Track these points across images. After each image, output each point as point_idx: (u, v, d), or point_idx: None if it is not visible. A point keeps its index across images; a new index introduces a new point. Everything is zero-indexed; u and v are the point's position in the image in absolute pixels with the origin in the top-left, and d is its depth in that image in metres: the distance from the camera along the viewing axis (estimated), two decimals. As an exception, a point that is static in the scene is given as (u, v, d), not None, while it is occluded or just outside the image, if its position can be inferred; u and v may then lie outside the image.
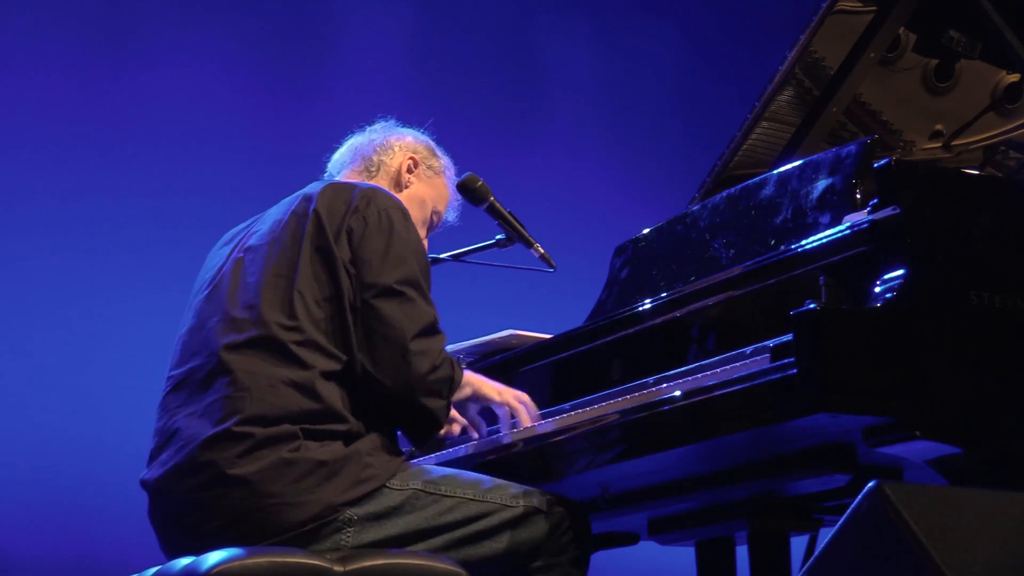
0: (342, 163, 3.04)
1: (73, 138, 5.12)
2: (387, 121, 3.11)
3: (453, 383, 2.68)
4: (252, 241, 2.72)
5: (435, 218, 3.06)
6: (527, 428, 2.88)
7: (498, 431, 2.98)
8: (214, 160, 5.32)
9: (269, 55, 5.58)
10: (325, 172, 3.08)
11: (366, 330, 2.58)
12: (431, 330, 2.64)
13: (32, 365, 4.90)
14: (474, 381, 2.84)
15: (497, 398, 2.89)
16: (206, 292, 2.71)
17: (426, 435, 2.72)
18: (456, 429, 3.00)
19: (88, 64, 5.20)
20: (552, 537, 2.63)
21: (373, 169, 2.98)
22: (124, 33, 5.30)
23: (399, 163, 3.00)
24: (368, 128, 3.09)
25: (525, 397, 2.92)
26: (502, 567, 2.62)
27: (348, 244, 2.60)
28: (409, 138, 3.07)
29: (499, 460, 2.90)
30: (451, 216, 3.12)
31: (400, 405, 2.62)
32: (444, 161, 3.09)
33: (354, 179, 2.96)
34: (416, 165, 3.02)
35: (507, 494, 2.62)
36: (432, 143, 3.10)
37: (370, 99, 5.48)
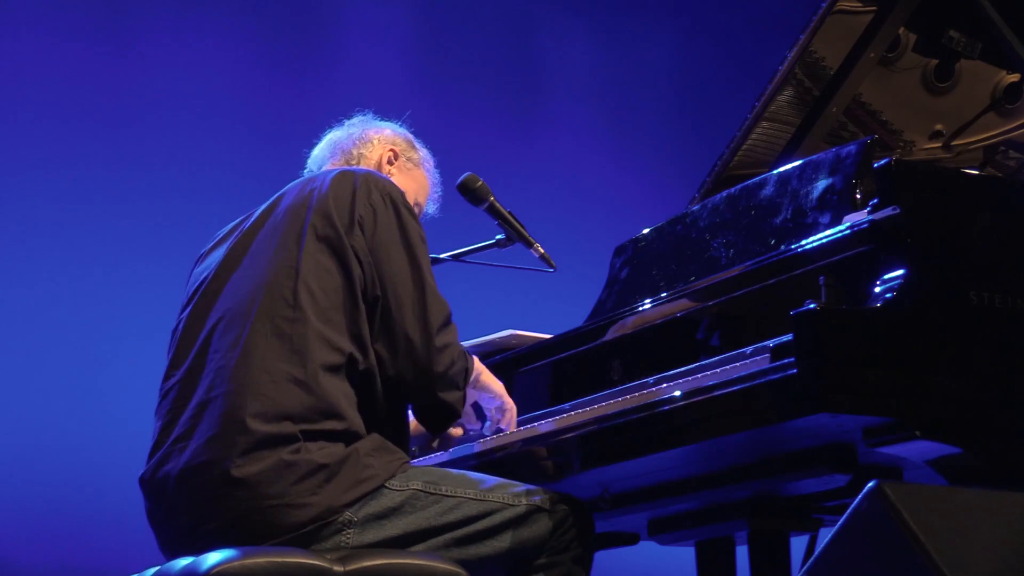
0: (322, 158, 3.04)
1: (71, 121, 5.12)
2: (364, 114, 3.11)
3: (468, 374, 2.70)
4: (249, 236, 2.70)
5: (417, 210, 3.06)
6: (528, 428, 2.88)
7: (498, 432, 2.98)
8: (213, 146, 5.32)
9: (271, 37, 5.60)
10: (305, 168, 3.08)
11: (386, 322, 2.58)
12: (449, 320, 2.65)
13: (29, 365, 4.90)
14: (479, 367, 2.84)
15: (497, 389, 2.91)
16: (203, 289, 2.69)
17: (443, 427, 2.74)
18: (457, 432, 3.01)
19: (88, 46, 5.21)
20: (555, 535, 2.62)
21: (353, 162, 2.99)
22: (124, 14, 5.30)
23: (379, 155, 3.01)
24: (346, 122, 3.09)
25: (513, 405, 2.96)
26: (505, 565, 2.61)
27: (361, 233, 2.60)
28: (387, 131, 3.07)
29: (499, 460, 2.90)
30: (431, 208, 3.12)
31: (417, 398, 2.64)
32: (423, 153, 3.09)
33: None
34: (396, 157, 3.03)
35: (509, 493, 2.62)
36: (410, 135, 3.10)
37: (370, 90, 5.51)
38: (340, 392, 2.51)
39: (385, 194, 2.66)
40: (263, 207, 2.76)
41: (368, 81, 5.67)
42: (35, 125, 5.07)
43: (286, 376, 2.48)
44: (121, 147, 5.19)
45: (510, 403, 2.94)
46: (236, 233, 2.76)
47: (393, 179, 2.97)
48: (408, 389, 2.62)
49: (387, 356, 2.58)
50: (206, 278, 2.72)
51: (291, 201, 2.68)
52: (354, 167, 2.86)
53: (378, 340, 2.58)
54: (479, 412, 3.01)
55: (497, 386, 2.92)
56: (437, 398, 2.64)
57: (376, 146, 3.02)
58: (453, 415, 2.70)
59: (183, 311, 2.73)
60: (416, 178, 3.05)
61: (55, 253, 5.00)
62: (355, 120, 3.09)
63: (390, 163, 3.01)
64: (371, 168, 2.96)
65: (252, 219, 2.75)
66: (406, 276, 2.61)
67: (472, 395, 2.88)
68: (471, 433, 3.03)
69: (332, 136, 3.07)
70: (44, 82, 5.12)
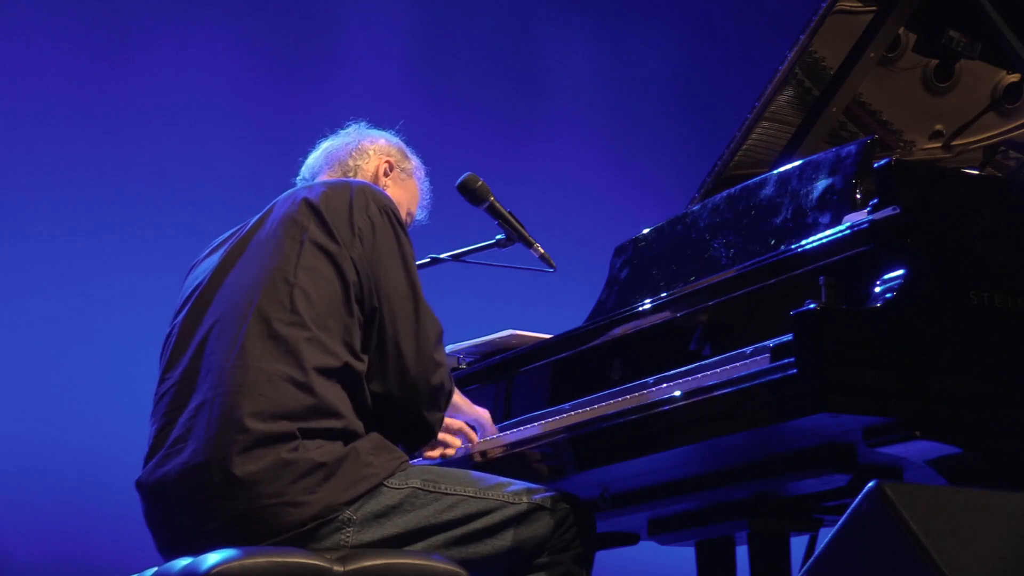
0: (317, 167, 3.05)
1: (68, 127, 5.12)
2: (358, 123, 3.12)
3: (450, 397, 2.74)
4: (243, 243, 2.70)
5: (408, 219, 3.08)
6: (528, 428, 2.88)
7: (497, 432, 2.98)
8: (212, 152, 5.32)
9: (271, 43, 5.59)
10: (299, 176, 3.08)
11: (381, 335, 2.59)
12: (441, 339, 2.68)
13: (28, 365, 4.89)
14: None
15: (464, 405, 2.98)
16: (197, 294, 2.70)
17: (420, 445, 2.77)
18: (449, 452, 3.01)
19: (84, 51, 5.20)
20: (556, 534, 2.62)
21: (350, 174, 3.01)
22: (121, 19, 5.30)
23: (375, 167, 3.03)
24: (341, 132, 3.11)
25: (487, 414, 3.02)
26: (505, 564, 2.61)
27: (361, 244, 2.61)
28: (382, 141, 3.08)
29: (499, 461, 2.90)
30: (421, 215, 3.14)
31: (401, 415, 2.64)
32: (415, 162, 3.12)
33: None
34: (391, 168, 3.05)
35: (509, 491, 2.62)
36: (403, 144, 3.12)
37: (370, 93, 5.51)
38: (336, 394, 2.52)
39: (383, 208, 2.67)
40: (257, 216, 2.77)
41: (368, 83, 5.66)
42: (32, 131, 5.07)
43: (283, 376, 2.48)
44: (119, 152, 5.18)
45: (481, 417, 2.99)
46: (230, 241, 2.77)
47: (388, 190, 2.99)
48: (394, 404, 2.62)
49: (377, 369, 2.60)
50: (200, 283, 2.72)
51: (287, 209, 2.68)
52: (349, 179, 2.88)
53: (371, 352, 2.60)
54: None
55: (464, 401, 2.97)
56: (421, 416, 2.66)
57: (372, 157, 3.04)
58: (431, 435, 2.73)
59: (176, 316, 2.73)
60: (409, 188, 3.08)
61: (56, 255, 5.00)
62: (349, 129, 3.11)
63: (386, 175, 3.03)
64: (367, 180, 2.97)
65: (247, 228, 2.76)
66: (403, 292, 2.63)
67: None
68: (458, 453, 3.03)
69: (327, 146, 3.09)
70: (41, 87, 5.11)
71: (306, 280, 2.56)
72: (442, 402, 2.70)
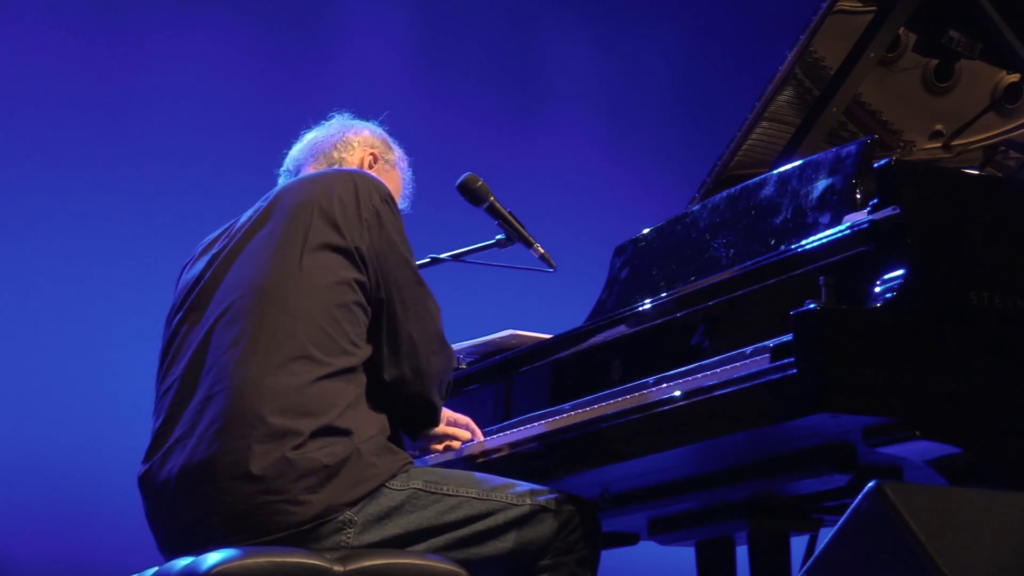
0: (302, 159, 3.04)
1: (69, 116, 5.12)
2: (342, 115, 3.12)
3: (451, 385, 2.77)
4: (245, 239, 2.69)
5: None
6: (528, 428, 2.88)
7: (496, 432, 2.98)
8: (213, 142, 5.32)
9: (272, 35, 5.60)
10: (283, 167, 3.07)
11: (391, 324, 2.61)
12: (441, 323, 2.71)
13: (27, 363, 4.89)
14: None
15: (452, 416, 3.00)
16: (198, 290, 2.68)
17: (423, 429, 2.80)
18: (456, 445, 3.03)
19: (87, 41, 5.20)
20: (560, 536, 2.61)
21: (335, 165, 2.99)
22: (123, 9, 5.30)
23: (359, 159, 3.03)
24: (324, 123, 3.10)
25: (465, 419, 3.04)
26: (508, 566, 2.61)
27: (368, 234, 2.61)
28: (366, 132, 3.08)
29: (498, 461, 2.90)
30: (404, 205, 3.14)
31: (410, 398, 2.66)
32: (398, 153, 3.12)
33: None
34: (376, 160, 3.05)
35: (513, 492, 2.61)
36: (387, 136, 3.11)
37: (370, 89, 5.51)
38: (341, 389, 2.52)
39: (384, 197, 2.69)
40: (255, 210, 2.75)
41: (368, 80, 5.67)
42: (33, 120, 5.07)
43: (289, 372, 2.48)
44: (119, 142, 5.18)
45: (468, 421, 3.01)
46: (225, 237, 2.75)
47: None
48: (403, 389, 2.64)
49: (389, 357, 2.61)
50: (200, 278, 2.70)
51: (290, 202, 2.67)
52: (347, 168, 2.88)
53: (381, 341, 2.61)
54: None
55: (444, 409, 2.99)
56: (429, 399, 2.69)
57: (357, 149, 3.04)
58: (435, 419, 2.77)
59: (175, 315, 2.71)
60: (393, 179, 3.07)
61: (54, 248, 5.00)
62: (333, 121, 3.10)
63: (370, 166, 3.03)
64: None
65: (243, 222, 2.74)
66: (410, 280, 2.65)
67: None
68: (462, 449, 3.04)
69: (311, 137, 3.08)
70: (42, 76, 5.11)
71: (314, 272, 2.56)
72: (446, 385, 2.74)
